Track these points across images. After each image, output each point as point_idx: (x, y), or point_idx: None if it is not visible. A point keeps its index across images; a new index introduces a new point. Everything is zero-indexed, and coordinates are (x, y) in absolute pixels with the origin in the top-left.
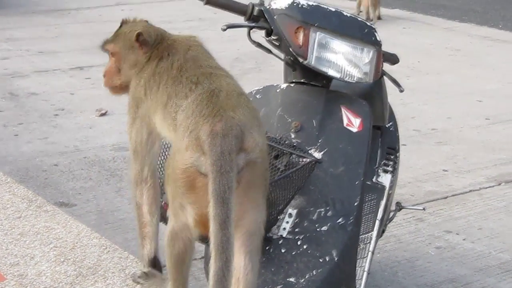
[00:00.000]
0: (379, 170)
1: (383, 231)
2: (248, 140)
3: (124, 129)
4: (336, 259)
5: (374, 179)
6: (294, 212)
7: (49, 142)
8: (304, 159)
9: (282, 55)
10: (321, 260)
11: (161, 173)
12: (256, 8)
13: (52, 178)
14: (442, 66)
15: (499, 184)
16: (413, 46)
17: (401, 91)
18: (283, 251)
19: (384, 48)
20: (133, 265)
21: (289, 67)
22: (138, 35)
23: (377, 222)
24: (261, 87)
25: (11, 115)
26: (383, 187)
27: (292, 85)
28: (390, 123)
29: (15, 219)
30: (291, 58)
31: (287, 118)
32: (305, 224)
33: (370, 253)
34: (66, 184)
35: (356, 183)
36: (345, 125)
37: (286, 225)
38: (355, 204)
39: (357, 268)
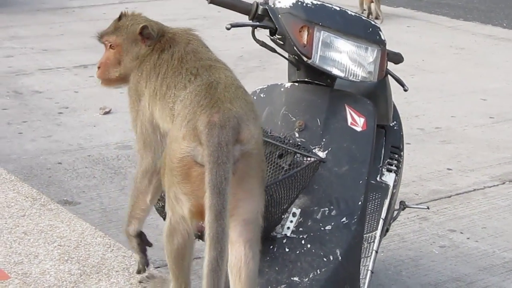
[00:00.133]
0: (383, 169)
1: (387, 230)
2: (244, 132)
3: (128, 127)
4: (340, 258)
5: (378, 178)
6: (298, 211)
7: (53, 140)
8: (309, 159)
9: (286, 54)
10: (325, 259)
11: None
12: (261, 7)
13: (56, 176)
14: (446, 64)
15: (503, 183)
16: (417, 44)
17: (406, 90)
18: (287, 250)
19: (388, 46)
20: (137, 264)
21: (293, 66)
22: (143, 28)
23: (381, 221)
24: (265, 86)
25: (15, 113)
26: (387, 186)
27: (296, 84)
28: (394, 122)
29: (19, 218)
30: (296, 57)
31: (291, 117)
32: (309, 223)
33: (374, 252)
34: (70, 182)
35: (360, 182)
36: (349, 124)
37: (290, 224)
38: (359, 203)
39: (361, 267)
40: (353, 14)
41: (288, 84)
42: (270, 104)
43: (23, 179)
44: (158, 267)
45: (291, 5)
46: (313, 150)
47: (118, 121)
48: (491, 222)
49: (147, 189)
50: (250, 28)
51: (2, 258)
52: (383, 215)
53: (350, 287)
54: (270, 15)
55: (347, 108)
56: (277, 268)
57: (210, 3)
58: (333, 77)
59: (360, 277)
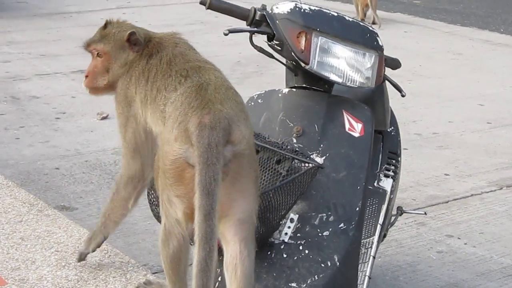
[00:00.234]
0: (380, 175)
1: (385, 236)
2: (235, 133)
3: None
4: (338, 264)
5: (375, 184)
6: (296, 217)
7: (50, 145)
8: (307, 165)
9: (284, 60)
10: (323, 265)
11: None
12: (258, 13)
13: (53, 181)
14: (444, 70)
15: (501, 189)
16: (415, 50)
17: (403, 95)
18: (285, 256)
19: (385, 52)
20: (134, 270)
21: (291, 71)
22: (131, 34)
23: (379, 227)
24: (263, 92)
25: (12, 118)
26: (385, 191)
27: (294, 89)
28: (392, 128)
29: (16, 223)
30: (293, 62)
31: (289, 123)
32: (307, 229)
33: (371, 258)
34: (67, 187)
35: (358, 188)
36: (347, 129)
37: (288, 230)
38: (357, 209)
39: (358, 272)
40: (350, 19)
41: (285, 90)
42: (268, 109)
43: (20, 185)
44: (156, 272)
45: (289, 10)
46: (311, 156)
47: (115, 126)
48: (489, 227)
49: (131, 195)
50: (247, 34)
51: None
52: (381, 220)
53: None
54: (268, 20)
55: (344, 114)
56: (275, 274)
57: (208, 8)
58: (330, 83)
59: (358, 282)
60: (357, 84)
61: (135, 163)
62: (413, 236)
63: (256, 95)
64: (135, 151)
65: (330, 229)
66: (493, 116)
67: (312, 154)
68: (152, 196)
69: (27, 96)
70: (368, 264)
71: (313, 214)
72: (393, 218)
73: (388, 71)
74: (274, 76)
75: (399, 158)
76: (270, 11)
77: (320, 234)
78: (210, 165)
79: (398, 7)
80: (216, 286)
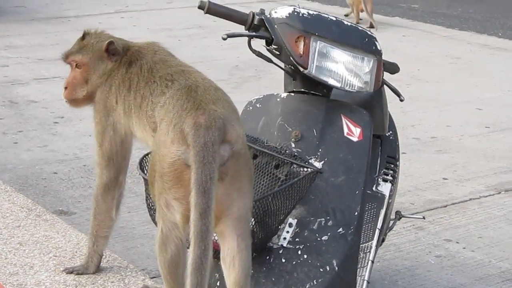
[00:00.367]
0: (379, 179)
1: (383, 240)
2: (231, 132)
3: None
4: (336, 268)
5: (374, 188)
6: (294, 221)
7: (48, 150)
8: (305, 169)
9: (282, 64)
10: (321, 270)
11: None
12: (257, 17)
13: (52, 186)
14: (442, 74)
15: (499, 193)
16: (413, 54)
17: (402, 100)
18: (283, 260)
19: (384, 56)
20: (132, 275)
21: (290, 76)
22: (109, 44)
23: (377, 231)
24: (261, 96)
25: (10, 122)
26: (383, 196)
27: (292, 94)
28: (390, 132)
29: (14, 228)
30: (292, 67)
31: (287, 127)
32: (305, 234)
33: (370, 262)
34: (66, 192)
35: (357, 192)
36: (345, 134)
37: (286, 234)
38: (356, 213)
39: (357, 277)
40: (349, 24)
41: (284, 94)
42: (266, 114)
43: (18, 189)
44: (154, 277)
45: (287, 15)
46: (310, 161)
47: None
48: (487, 231)
49: (111, 205)
50: (246, 38)
51: None
52: (379, 225)
53: None
54: (266, 25)
55: (343, 118)
56: (273, 279)
57: (206, 13)
58: (329, 87)
59: (356, 287)
60: (356, 88)
61: (109, 171)
62: (412, 241)
63: (255, 100)
64: (109, 159)
65: (329, 234)
66: (492, 120)
67: (311, 158)
68: (151, 200)
69: (25, 101)
70: (366, 268)
71: (312, 218)
72: (391, 222)
73: (387, 75)
74: (272, 80)
75: (398, 163)
76: (268, 16)
77: (318, 239)
78: (206, 164)
79: (396, 11)
80: None
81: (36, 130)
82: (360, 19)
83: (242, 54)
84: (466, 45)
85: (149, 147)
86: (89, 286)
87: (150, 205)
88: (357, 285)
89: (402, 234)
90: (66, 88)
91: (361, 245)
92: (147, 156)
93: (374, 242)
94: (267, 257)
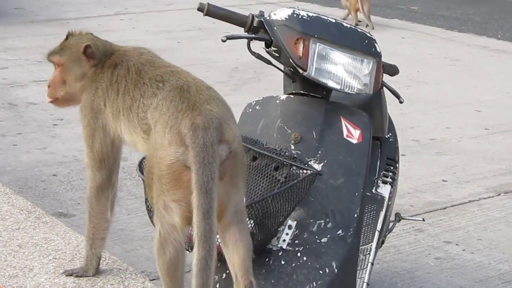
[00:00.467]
0: (378, 181)
1: (383, 242)
2: (227, 132)
3: None
4: (336, 270)
5: (373, 190)
6: (294, 223)
7: (47, 152)
8: (305, 171)
9: (282, 66)
10: (321, 272)
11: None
12: (256, 19)
13: (51, 188)
14: (441, 76)
15: (499, 195)
16: (412, 56)
17: (401, 102)
18: (283, 262)
19: (383, 57)
20: (132, 277)
21: (289, 78)
22: (86, 47)
23: (377, 233)
24: (261, 98)
25: (9, 125)
26: (383, 198)
27: (292, 96)
28: (390, 134)
29: (14, 230)
30: (291, 69)
31: (287, 129)
32: (305, 236)
33: (369, 264)
34: (65, 194)
35: (356, 194)
36: (345, 136)
37: (286, 236)
38: (355, 215)
39: (356, 279)
40: (348, 26)
41: (283, 96)
42: (266, 116)
43: (17, 192)
44: (154, 279)
45: (287, 17)
46: (309, 163)
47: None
48: (487, 233)
49: (106, 206)
50: (245, 40)
51: None
52: (379, 227)
53: None
54: (266, 27)
55: (342, 120)
56: (273, 281)
57: (205, 15)
58: (328, 89)
59: None
60: (355, 90)
61: (102, 172)
62: (411, 243)
63: (254, 102)
64: (101, 161)
65: (328, 236)
66: (491, 122)
67: (310, 160)
68: (150, 202)
69: (24, 103)
70: (366, 270)
71: (311, 220)
72: (391, 224)
73: (386, 77)
74: (271, 82)
75: (397, 165)
76: (268, 18)
77: (318, 241)
78: (206, 165)
79: (395, 13)
80: None
81: (35, 132)
82: (359, 21)
83: (242, 56)
84: (466, 47)
85: (138, 150)
86: None
87: (150, 207)
88: (357, 287)
89: (402, 236)
90: (48, 87)
91: (360, 247)
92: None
93: (374, 244)
94: (267, 259)
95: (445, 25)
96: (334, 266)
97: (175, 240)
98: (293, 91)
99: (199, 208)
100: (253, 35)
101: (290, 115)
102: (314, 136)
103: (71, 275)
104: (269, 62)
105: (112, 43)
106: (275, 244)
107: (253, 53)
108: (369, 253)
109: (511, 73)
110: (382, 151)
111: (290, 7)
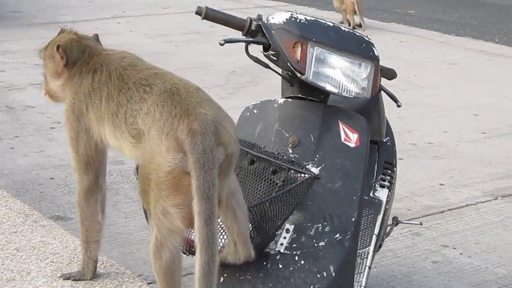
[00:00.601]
0: (376, 185)
1: (380, 246)
2: (224, 134)
3: None
4: (333, 274)
5: (371, 194)
6: (291, 227)
7: (45, 155)
8: (303, 175)
9: (279, 70)
10: (318, 276)
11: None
12: (254, 23)
13: (48, 191)
14: (439, 80)
15: (496, 199)
16: (410, 59)
17: (399, 106)
18: (280, 266)
19: (381, 61)
20: (129, 281)
21: (287, 82)
22: (58, 46)
23: (374, 237)
24: (258, 102)
25: (7, 128)
26: (380, 202)
27: (289, 100)
28: (387, 138)
29: (11, 234)
30: (289, 73)
31: (284, 133)
32: (302, 240)
33: (367, 268)
34: (62, 197)
35: (354, 198)
36: (342, 140)
37: (283, 240)
38: (353, 219)
39: (354, 283)
40: (346, 30)
41: (281, 100)
42: (263, 120)
43: (15, 195)
44: (151, 283)
45: (285, 21)
46: (307, 166)
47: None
48: (484, 237)
49: (96, 209)
50: (243, 44)
51: None
52: (376, 231)
53: None
54: (264, 31)
55: (340, 124)
56: (270, 285)
57: (203, 18)
58: (326, 93)
59: None
60: (353, 94)
61: (89, 175)
62: (409, 246)
63: (252, 105)
64: (86, 164)
65: (326, 240)
66: (488, 126)
67: (308, 164)
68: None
69: (21, 106)
70: (363, 274)
71: (309, 224)
72: (388, 228)
73: (384, 81)
74: (269, 86)
75: (395, 168)
76: (266, 21)
77: (316, 245)
78: (207, 171)
79: (392, 16)
80: None
81: (32, 136)
82: (357, 25)
83: (239, 60)
84: (463, 51)
85: (124, 154)
86: None
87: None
88: None
89: (399, 240)
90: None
91: (358, 251)
92: None
93: (371, 248)
94: (264, 263)
95: (443, 29)
96: (332, 270)
97: (171, 245)
98: (291, 95)
99: (200, 214)
100: (251, 39)
101: (288, 118)
102: (312, 140)
103: (68, 279)
104: (267, 66)
105: (98, 46)
106: (273, 247)
107: (251, 57)
108: (367, 257)
109: (509, 77)
110: (380, 155)
111: (288, 11)
